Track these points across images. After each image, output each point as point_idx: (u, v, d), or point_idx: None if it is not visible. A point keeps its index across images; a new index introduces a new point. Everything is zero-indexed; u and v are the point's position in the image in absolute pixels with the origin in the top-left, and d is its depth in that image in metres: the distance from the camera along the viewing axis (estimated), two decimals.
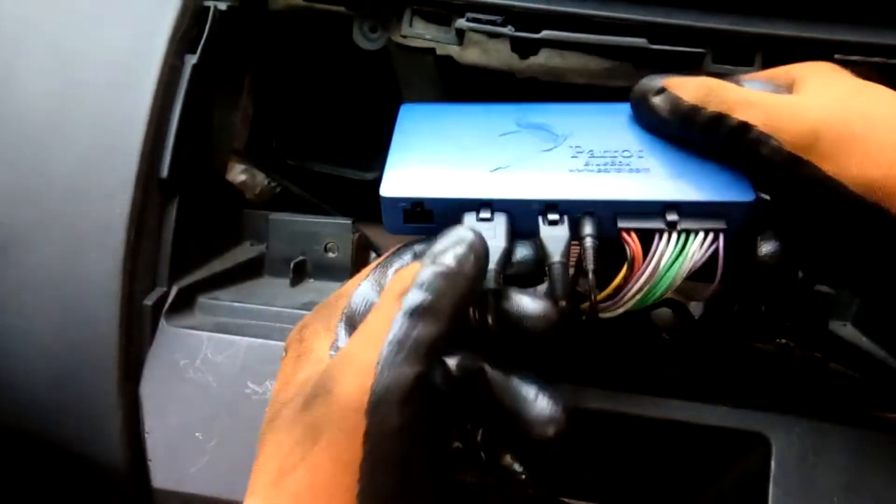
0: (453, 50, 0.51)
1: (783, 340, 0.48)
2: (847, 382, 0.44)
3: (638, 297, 0.36)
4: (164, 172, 0.48)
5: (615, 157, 0.38)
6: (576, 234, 0.36)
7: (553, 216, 0.36)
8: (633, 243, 0.36)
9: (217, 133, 0.54)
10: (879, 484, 0.38)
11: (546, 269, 0.35)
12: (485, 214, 0.36)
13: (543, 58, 0.49)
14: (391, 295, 0.31)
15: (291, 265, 0.53)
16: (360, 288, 0.34)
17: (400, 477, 0.29)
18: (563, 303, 0.34)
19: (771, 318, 0.48)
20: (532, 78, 0.52)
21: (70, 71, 0.49)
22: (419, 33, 0.49)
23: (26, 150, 0.49)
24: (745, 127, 0.34)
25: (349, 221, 0.55)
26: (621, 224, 0.36)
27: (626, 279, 0.35)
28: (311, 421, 0.29)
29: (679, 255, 0.35)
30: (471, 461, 0.35)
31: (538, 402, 0.33)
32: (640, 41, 0.45)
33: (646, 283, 0.35)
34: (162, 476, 0.44)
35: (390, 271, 0.35)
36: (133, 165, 0.47)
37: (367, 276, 0.35)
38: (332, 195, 0.64)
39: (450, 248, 0.31)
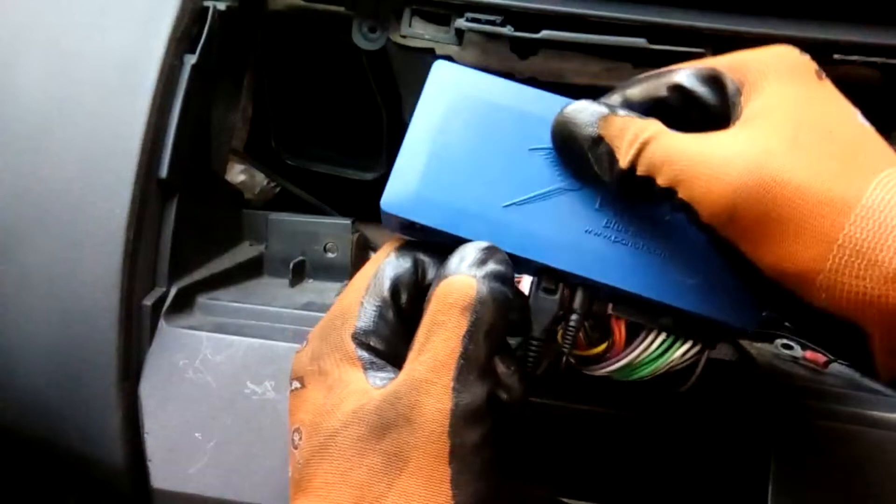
0: (453, 50, 0.51)
1: (785, 340, 0.48)
2: (847, 382, 0.44)
3: (609, 374, 0.36)
4: (164, 172, 0.48)
5: (639, 228, 0.35)
6: (564, 305, 0.35)
7: (548, 285, 0.35)
8: (618, 332, 0.36)
9: (216, 133, 0.54)
10: (879, 484, 0.38)
11: (525, 340, 0.35)
12: (548, 285, 0.35)
13: (543, 58, 0.49)
14: (447, 312, 0.31)
15: (291, 265, 0.53)
16: (365, 308, 0.33)
17: (487, 481, 0.31)
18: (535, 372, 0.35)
19: (771, 318, 0.48)
20: (532, 78, 0.52)
21: (69, 71, 0.49)
22: (418, 33, 0.49)
23: (26, 150, 0.49)
24: (668, 192, 0.32)
25: (348, 221, 0.55)
26: (613, 311, 0.35)
27: (604, 354, 0.36)
28: (390, 449, 0.30)
29: (660, 356, 0.36)
30: None
31: None
32: (639, 41, 0.45)
33: (620, 368, 0.36)
34: (161, 476, 0.44)
35: (384, 278, 0.34)
36: (132, 165, 0.47)
37: (365, 290, 0.34)
38: (331, 195, 0.64)
39: (491, 261, 0.32)
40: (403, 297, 0.34)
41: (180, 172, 0.49)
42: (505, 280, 0.32)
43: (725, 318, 0.34)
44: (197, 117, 0.51)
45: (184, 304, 0.49)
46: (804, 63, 0.34)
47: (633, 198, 0.34)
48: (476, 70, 0.37)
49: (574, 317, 0.35)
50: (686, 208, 0.31)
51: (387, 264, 0.34)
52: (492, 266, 0.31)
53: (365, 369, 0.32)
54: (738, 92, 0.33)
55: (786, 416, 0.40)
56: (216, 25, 0.51)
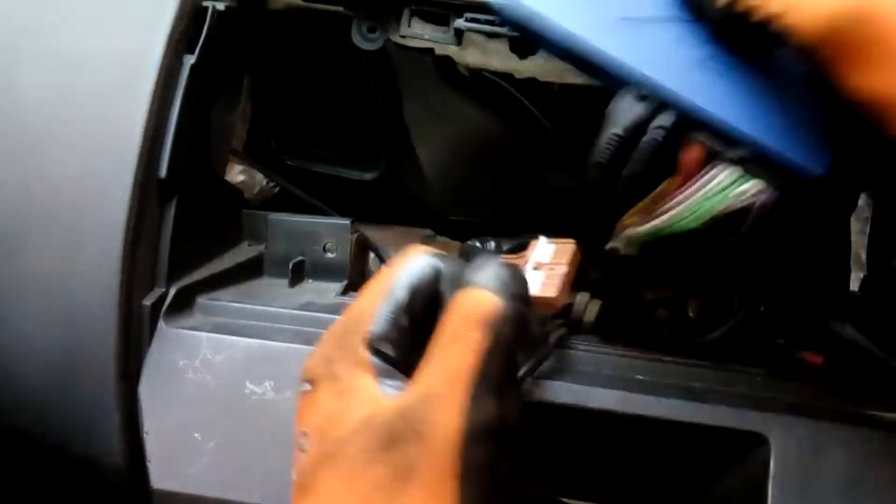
0: (452, 50, 0.51)
1: (783, 340, 0.48)
2: (847, 382, 0.44)
3: (669, 214, 0.35)
4: (163, 173, 0.48)
5: (737, 63, 0.36)
6: (651, 117, 0.35)
7: (641, 91, 0.35)
8: (689, 156, 0.35)
9: (216, 133, 0.54)
10: (879, 484, 0.38)
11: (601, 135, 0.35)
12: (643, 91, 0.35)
13: (542, 58, 0.49)
14: (466, 325, 0.30)
15: (290, 265, 0.53)
16: (381, 314, 0.33)
17: (493, 499, 0.30)
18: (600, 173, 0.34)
19: (771, 318, 0.48)
20: (531, 78, 0.51)
21: (69, 72, 0.49)
22: (418, 33, 0.49)
23: (25, 151, 0.49)
24: (767, 22, 0.33)
25: (348, 222, 0.55)
26: (695, 133, 0.35)
27: (665, 193, 0.35)
28: (398, 462, 0.29)
29: (723, 190, 0.35)
30: None
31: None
32: None
33: (683, 200, 0.35)
34: (161, 477, 0.44)
35: (401, 286, 0.34)
36: (132, 166, 0.47)
37: (382, 296, 0.34)
38: (330, 195, 0.64)
39: (513, 280, 0.32)
40: (420, 306, 0.33)
41: (180, 173, 0.49)
42: (524, 301, 0.32)
43: (799, 158, 0.35)
44: (196, 117, 0.51)
45: (183, 304, 0.49)
46: None
47: (733, 33, 0.35)
48: None
49: (657, 131, 0.34)
50: (786, 35, 0.33)
51: (405, 271, 0.34)
52: (514, 285, 0.31)
53: (377, 376, 0.32)
54: None
55: (784, 415, 0.40)
56: (215, 26, 0.51)
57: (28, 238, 0.48)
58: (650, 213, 0.36)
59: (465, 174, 0.62)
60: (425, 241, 0.61)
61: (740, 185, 0.35)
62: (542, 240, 0.44)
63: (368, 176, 0.65)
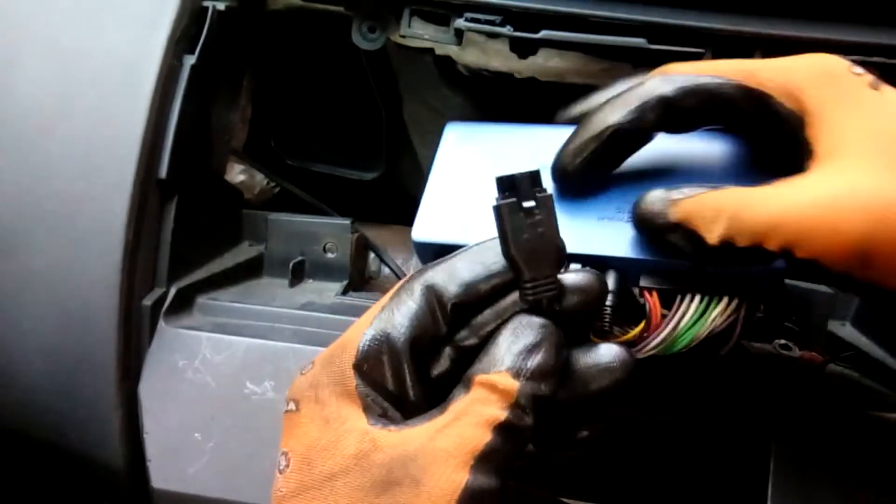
0: (452, 50, 0.51)
1: (783, 340, 0.48)
2: (847, 382, 0.44)
3: (652, 353, 0.36)
4: (163, 173, 0.48)
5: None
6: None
7: (575, 266, 0.35)
8: (652, 303, 0.35)
9: (216, 133, 0.54)
10: (879, 485, 0.38)
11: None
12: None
13: (542, 58, 0.49)
14: (485, 402, 0.30)
15: (290, 265, 0.53)
16: (367, 338, 0.32)
17: None
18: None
19: (771, 318, 0.48)
20: (531, 78, 0.52)
21: (69, 71, 0.49)
22: (418, 33, 0.49)
23: (26, 151, 0.49)
24: (784, 253, 0.31)
25: (348, 221, 0.55)
26: (643, 283, 0.35)
27: (643, 334, 0.35)
28: None
29: (699, 319, 0.35)
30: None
31: (602, 349, 0.33)
32: (638, 41, 0.45)
33: (661, 342, 0.35)
34: (161, 476, 0.45)
35: (398, 314, 0.32)
36: (132, 166, 0.47)
37: (373, 321, 0.32)
38: (330, 195, 0.64)
39: (537, 357, 0.31)
40: (414, 338, 0.32)
41: (180, 173, 0.49)
42: (550, 376, 0.31)
43: (753, 270, 0.34)
44: (196, 117, 0.51)
45: (183, 304, 0.49)
46: (852, 77, 0.34)
47: (732, 265, 0.34)
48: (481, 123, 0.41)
49: (609, 298, 0.35)
50: (809, 265, 0.31)
51: (401, 302, 0.33)
52: (539, 359, 0.31)
53: (364, 408, 0.31)
54: (802, 124, 0.33)
55: (784, 415, 0.40)
56: (215, 26, 0.51)
57: (29, 238, 0.48)
58: (640, 346, 0.36)
59: None
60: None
61: (714, 307, 0.35)
62: None
63: (368, 176, 0.66)
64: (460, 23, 0.47)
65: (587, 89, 0.51)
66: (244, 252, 0.55)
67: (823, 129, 0.33)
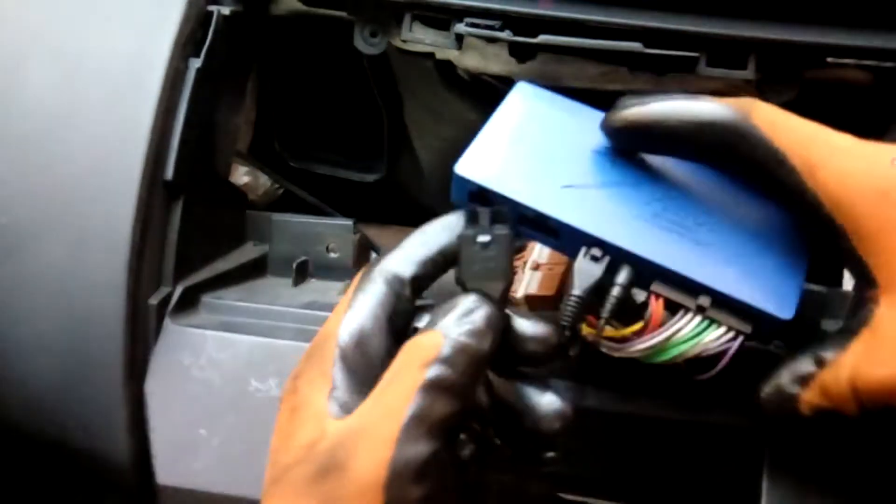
0: (452, 54, 0.51)
1: (777, 340, 0.48)
2: None
3: (637, 355, 0.36)
4: (169, 174, 0.48)
5: (684, 221, 0.37)
6: (608, 278, 0.36)
7: (596, 252, 0.36)
8: (656, 309, 0.36)
9: (221, 135, 0.54)
10: (878, 484, 0.38)
11: (564, 299, 0.35)
12: (595, 253, 0.36)
13: (541, 62, 0.50)
14: (409, 365, 0.30)
15: (294, 265, 0.54)
16: (345, 324, 0.32)
17: None
18: (566, 333, 0.35)
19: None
20: (530, 81, 0.52)
21: (75, 74, 0.50)
22: (419, 38, 0.49)
23: (33, 153, 0.49)
24: None
25: (350, 222, 0.55)
26: (654, 288, 0.36)
27: (636, 335, 0.36)
28: (325, 496, 0.28)
29: (693, 338, 0.36)
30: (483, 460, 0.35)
31: (544, 399, 0.33)
32: (635, 45, 0.45)
33: (650, 348, 0.36)
34: (166, 473, 0.45)
35: (368, 299, 0.33)
36: (138, 167, 0.47)
37: (346, 309, 0.33)
38: (333, 196, 0.64)
39: (469, 320, 0.30)
40: (386, 317, 0.32)
41: (185, 174, 0.49)
42: (483, 336, 0.30)
43: (763, 304, 0.35)
44: (202, 120, 0.51)
45: (189, 303, 0.49)
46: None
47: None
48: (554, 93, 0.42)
49: (616, 288, 0.35)
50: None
51: (366, 290, 0.33)
52: (471, 321, 0.30)
53: (331, 392, 0.31)
54: (876, 299, 0.32)
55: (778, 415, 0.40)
56: (220, 30, 0.51)
57: (36, 238, 0.48)
58: (617, 348, 0.37)
59: None
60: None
61: (711, 331, 0.36)
62: None
63: (370, 177, 0.66)
64: (460, 27, 0.47)
65: (584, 93, 0.51)
66: (248, 252, 0.55)
67: (884, 257, 0.32)
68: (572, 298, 0.35)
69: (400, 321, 0.33)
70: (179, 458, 0.45)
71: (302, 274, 0.55)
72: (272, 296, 0.51)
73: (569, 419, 0.33)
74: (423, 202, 0.65)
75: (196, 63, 0.50)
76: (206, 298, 0.50)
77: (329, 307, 0.49)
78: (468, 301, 0.31)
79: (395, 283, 0.33)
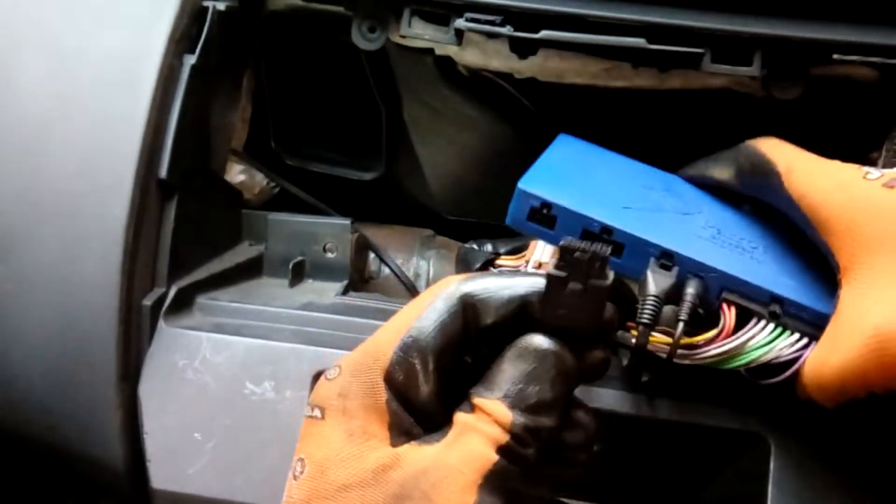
0: (452, 50, 0.51)
1: None
2: None
3: (710, 361, 0.37)
4: (163, 173, 0.48)
5: (741, 242, 0.40)
6: (678, 290, 0.37)
7: (666, 262, 0.38)
8: (729, 316, 0.37)
9: (216, 133, 0.54)
10: (879, 484, 0.39)
11: (640, 300, 0.36)
12: (666, 262, 0.38)
13: (542, 58, 0.49)
14: (490, 425, 0.31)
15: (290, 265, 0.53)
16: (399, 347, 0.32)
17: None
18: (645, 329, 0.36)
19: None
20: (531, 78, 0.52)
21: (69, 71, 0.49)
22: (418, 33, 0.49)
23: (25, 150, 0.49)
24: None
25: (348, 222, 0.55)
26: (726, 295, 0.38)
27: (708, 342, 0.37)
28: None
29: (767, 344, 0.37)
30: None
31: (578, 414, 0.34)
32: (638, 41, 0.45)
33: (725, 353, 0.37)
34: (161, 477, 0.45)
35: (431, 323, 0.32)
36: (132, 166, 0.47)
37: (404, 332, 0.32)
38: (330, 195, 0.64)
39: (538, 390, 0.31)
40: (444, 349, 0.32)
41: (180, 172, 0.49)
42: (546, 409, 0.31)
43: (829, 310, 0.36)
44: (196, 117, 0.51)
45: (183, 304, 0.49)
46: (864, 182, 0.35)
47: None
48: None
49: (690, 295, 0.37)
50: None
51: (435, 311, 0.32)
52: (533, 391, 0.31)
53: (391, 425, 0.31)
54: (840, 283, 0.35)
55: (785, 416, 0.40)
56: (215, 25, 0.51)
57: (28, 238, 0.48)
58: (690, 355, 0.38)
59: (465, 174, 0.62)
60: (425, 241, 0.61)
61: (785, 338, 0.37)
62: None
63: (368, 176, 0.65)
64: (460, 23, 0.47)
65: (587, 89, 0.51)
66: (244, 252, 0.55)
67: (845, 240, 0.34)
68: (650, 298, 0.36)
69: (454, 356, 0.32)
70: (174, 462, 0.44)
71: (298, 274, 0.54)
72: (268, 297, 0.51)
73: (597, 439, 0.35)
74: (423, 201, 0.65)
75: (191, 59, 0.50)
76: (201, 299, 0.50)
77: (326, 308, 0.49)
78: (536, 355, 0.31)
79: (470, 319, 0.32)
